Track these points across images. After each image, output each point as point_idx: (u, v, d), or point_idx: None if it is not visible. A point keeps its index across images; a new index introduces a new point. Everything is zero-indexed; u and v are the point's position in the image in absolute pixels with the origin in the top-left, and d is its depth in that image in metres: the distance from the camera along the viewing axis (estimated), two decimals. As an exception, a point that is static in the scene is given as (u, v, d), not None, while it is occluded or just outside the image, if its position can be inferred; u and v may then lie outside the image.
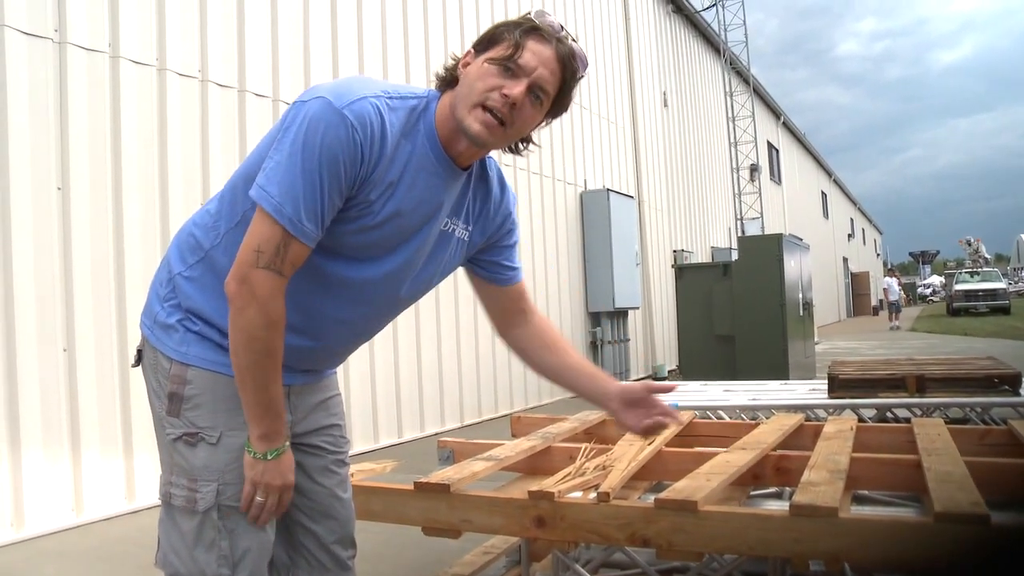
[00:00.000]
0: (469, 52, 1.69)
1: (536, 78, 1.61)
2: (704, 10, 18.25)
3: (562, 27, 1.68)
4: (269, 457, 1.64)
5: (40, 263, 4.50)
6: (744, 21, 19.40)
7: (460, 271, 1.98)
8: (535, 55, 1.61)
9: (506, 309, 2.02)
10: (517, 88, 1.60)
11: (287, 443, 1.68)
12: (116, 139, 4.94)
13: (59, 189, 4.62)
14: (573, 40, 1.68)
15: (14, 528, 4.34)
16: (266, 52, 6.10)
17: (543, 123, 1.75)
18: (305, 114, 1.54)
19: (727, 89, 19.02)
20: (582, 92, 10.97)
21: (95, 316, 4.73)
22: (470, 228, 1.85)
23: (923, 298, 62.49)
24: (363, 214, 1.62)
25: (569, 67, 1.66)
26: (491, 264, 1.95)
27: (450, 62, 1.73)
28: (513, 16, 1.84)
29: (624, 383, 1.93)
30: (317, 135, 1.52)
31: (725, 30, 19.03)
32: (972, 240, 63.94)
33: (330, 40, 6.73)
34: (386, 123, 1.59)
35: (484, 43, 1.66)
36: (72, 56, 4.68)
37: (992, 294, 32.73)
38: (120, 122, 4.95)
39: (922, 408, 4.88)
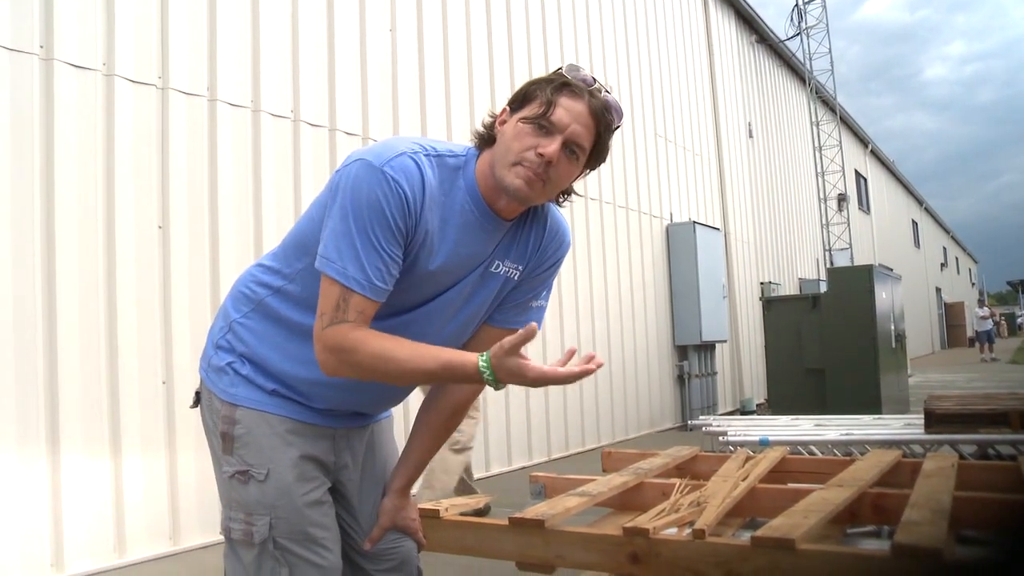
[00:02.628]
0: (504, 110, 1.73)
1: (570, 134, 1.64)
2: (788, 39, 18.09)
3: (595, 79, 1.70)
4: (492, 382, 1.62)
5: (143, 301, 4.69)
6: (829, 49, 19.16)
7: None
8: (567, 111, 1.64)
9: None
10: (552, 147, 1.62)
11: (483, 364, 1.61)
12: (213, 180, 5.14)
13: (160, 228, 4.81)
14: (607, 91, 1.71)
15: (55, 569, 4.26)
16: (356, 93, 6.27)
17: (583, 174, 1.78)
18: (347, 178, 1.62)
19: (813, 118, 18.76)
20: (667, 124, 11.00)
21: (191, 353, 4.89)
22: (521, 267, 1.85)
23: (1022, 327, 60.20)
24: (410, 267, 1.67)
25: (603, 120, 1.68)
26: (515, 306, 1.91)
27: (488, 119, 1.76)
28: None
29: (387, 503, 1.98)
30: (361, 195, 1.59)
31: (810, 59, 18.81)
32: (1074, 268, 61.38)
33: (417, 83, 6.88)
34: (425, 176, 1.64)
35: (518, 101, 1.69)
36: (173, 99, 4.90)
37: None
38: (217, 165, 5.15)
39: (1027, 445, 4.73)
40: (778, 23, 18.42)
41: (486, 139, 1.75)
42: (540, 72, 7.11)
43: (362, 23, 6.34)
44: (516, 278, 1.86)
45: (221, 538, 1.82)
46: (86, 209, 4.47)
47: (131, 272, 4.63)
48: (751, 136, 14.85)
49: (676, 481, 2.95)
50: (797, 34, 18.69)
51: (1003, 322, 53.42)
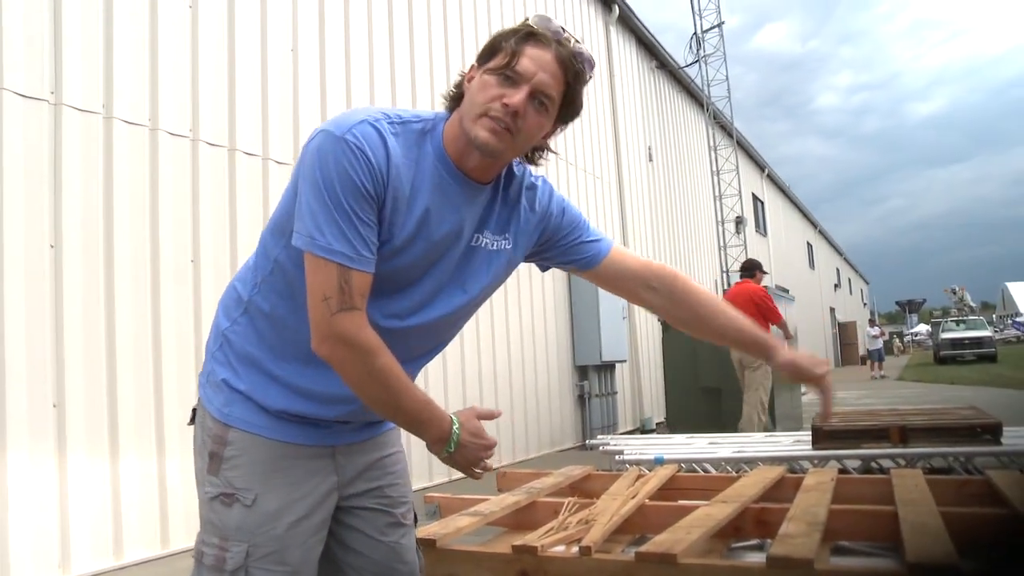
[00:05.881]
0: (473, 66, 1.68)
1: (536, 83, 1.58)
2: (688, 66, 18.57)
3: (563, 29, 1.65)
4: (451, 450, 1.68)
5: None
6: (727, 76, 19.73)
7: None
8: (533, 60, 1.58)
9: (622, 280, 1.94)
10: (518, 96, 1.57)
11: (455, 428, 1.68)
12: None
13: (52, 247, 4.67)
14: (577, 41, 1.66)
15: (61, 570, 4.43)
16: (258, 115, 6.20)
17: (557, 130, 1.73)
18: (312, 152, 1.55)
19: (711, 143, 19.27)
20: (567, 147, 11.15)
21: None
22: (508, 236, 1.79)
23: (917, 344, 62.69)
24: (386, 238, 1.59)
25: (571, 69, 1.62)
26: (567, 250, 1.90)
27: (457, 78, 1.71)
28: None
29: (790, 358, 1.91)
30: (329, 167, 1.52)
31: (708, 85, 19.34)
32: (957, 288, 64.34)
33: (319, 103, 6.85)
34: (388, 143, 1.57)
35: (485, 55, 1.64)
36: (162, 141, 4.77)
37: (978, 342, 32.82)
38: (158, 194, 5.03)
39: (906, 458, 4.94)
40: (678, 50, 18.90)
41: (456, 99, 1.69)
42: (441, 90, 7.15)
43: (263, 43, 6.28)
44: (508, 247, 1.79)
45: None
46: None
47: (19, 290, 4.48)
48: (651, 160, 15.16)
49: (566, 500, 3.00)
50: (696, 61, 19.21)
51: (898, 341, 55.45)
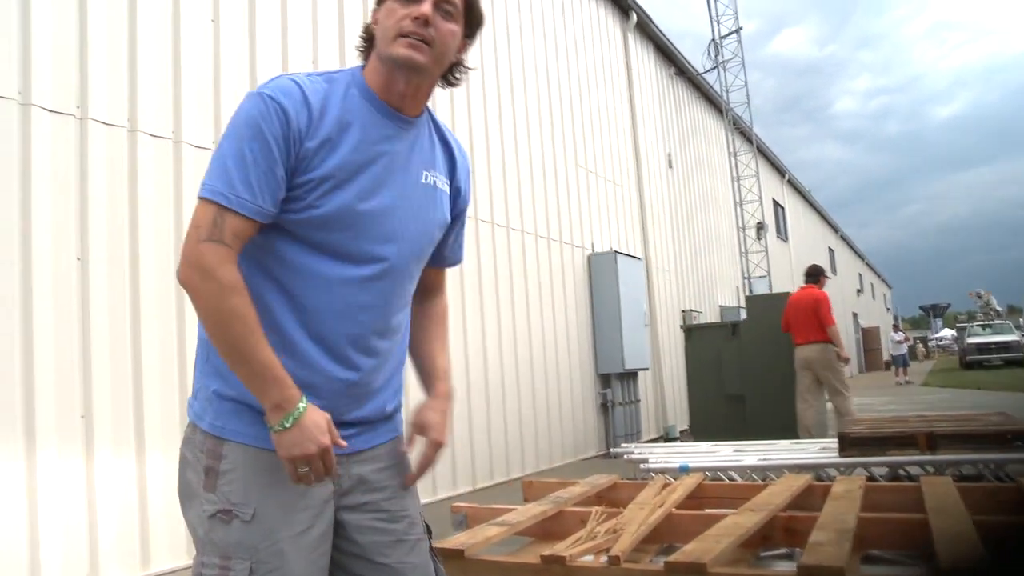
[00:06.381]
0: (375, 8, 1.76)
1: None
2: (706, 72, 18.52)
3: None
4: (287, 424, 1.58)
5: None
6: (745, 82, 19.67)
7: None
8: None
9: (423, 287, 1.95)
10: (423, 6, 1.66)
11: (302, 404, 1.60)
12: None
13: (79, 259, 4.70)
14: None
15: None
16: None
17: (467, 44, 1.81)
18: (235, 112, 1.64)
19: (731, 149, 19.21)
20: (587, 155, 11.16)
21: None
22: (448, 182, 1.88)
23: (942, 349, 62.06)
24: (322, 181, 1.64)
25: None
26: (444, 242, 1.94)
27: (361, 32, 1.80)
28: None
29: (425, 410, 1.90)
30: (240, 118, 1.61)
31: (727, 91, 19.28)
32: (982, 292, 63.63)
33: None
34: (306, 91, 1.65)
35: None
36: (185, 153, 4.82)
37: (1005, 347, 32.40)
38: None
39: (935, 465, 4.88)
40: (696, 56, 18.84)
41: (368, 45, 1.78)
42: (465, 106, 7.12)
43: (284, 57, 6.32)
44: (448, 191, 1.88)
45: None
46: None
47: (48, 303, 4.51)
48: (671, 166, 15.13)
49: (593, 509, 2.99)
50: (714, 67, 19.15)
51: (923, 346, 54.89)
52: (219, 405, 1.68)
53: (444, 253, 1.96)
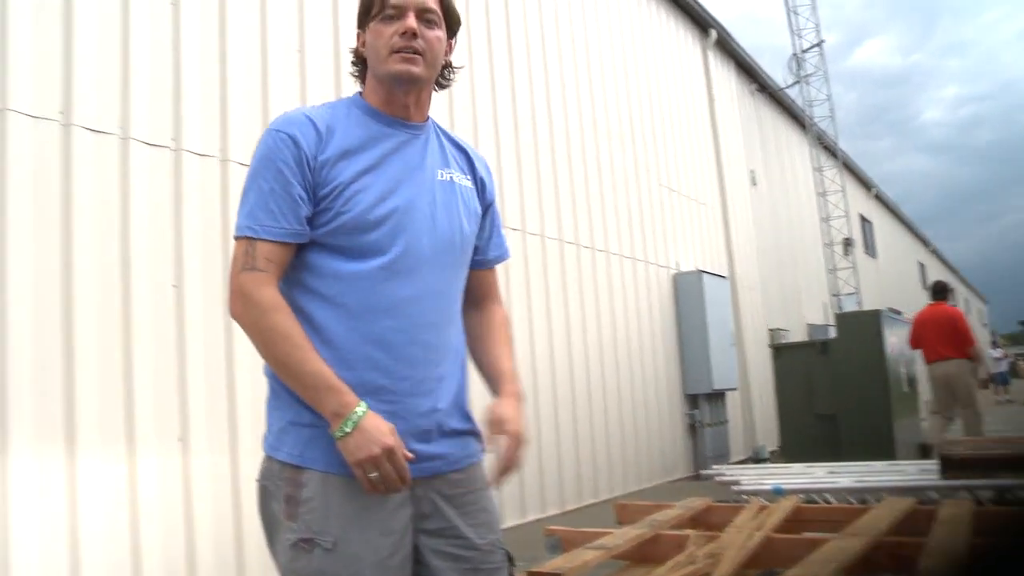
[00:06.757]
0: (359, 34, 1.88)
1: (416, 6, 1.78)
2: (788, 87, 18.28)
3: None
4: (347, 429, 1.61)
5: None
6: (828, 95, 19.33)
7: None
8: None
9: (475, 293, 2.00)
10: (408, 20, 1.77)
11: (360, 408, 1.64)
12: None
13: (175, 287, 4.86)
14: None
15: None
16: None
17: (452, 45, 1.92)
18: (253, 154, 1.77)
19: (815, 164, 18.88)
20: (671, 175, 11.10)
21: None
22: (469, 178, 1.96)
23: None
24: (345, 187, 1.73)
25: None
26: (479, 236, 1.98)
27: (351, 57, 1.92)
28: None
29: (498, 406, 1.88)
30: (255, 159, 1.75)
31: (810, 105, 18.97)
32: (1085, 306, 61.04)
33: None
34: (312, 116, 1.77)
35: (363, 14, 1.84)
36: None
37: (1110, 363, 31.13)
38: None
39: (1044, 488, 4.70)
40: (776, 70, 18.59)
41: (361, 68, 1.91)
42: (547, 129, 7.15)
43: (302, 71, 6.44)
44: (471, 186, 1.95)
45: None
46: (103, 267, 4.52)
47: (147, 331, 4.66)
48: (754, 184, 14.95)
49: (691, 533, 2.96)
50: (796, 82, 18.88)
51: (1021, 362, 52.89)
52: (296, 434, 1.71)
53: (484, 249, 2.01)
